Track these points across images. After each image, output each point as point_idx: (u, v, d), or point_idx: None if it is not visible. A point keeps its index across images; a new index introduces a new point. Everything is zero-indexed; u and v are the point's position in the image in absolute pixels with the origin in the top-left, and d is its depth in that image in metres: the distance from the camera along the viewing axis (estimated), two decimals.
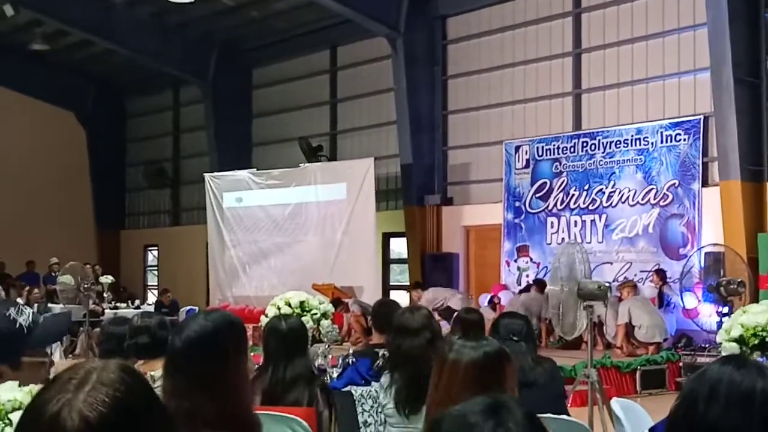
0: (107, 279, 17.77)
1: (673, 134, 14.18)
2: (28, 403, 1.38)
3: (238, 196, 19.39)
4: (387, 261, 18.87)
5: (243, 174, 19.38)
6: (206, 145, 21.82)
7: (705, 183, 13.88)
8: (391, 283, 18.77)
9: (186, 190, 23.73)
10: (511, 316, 5.29)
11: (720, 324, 8.14)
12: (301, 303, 7.15)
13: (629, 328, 13.05)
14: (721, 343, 4.67)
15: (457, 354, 2.62)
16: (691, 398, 2.07)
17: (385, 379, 4.51)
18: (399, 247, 18.64)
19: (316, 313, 7.18)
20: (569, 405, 5.60)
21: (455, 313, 6.61)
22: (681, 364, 12.10)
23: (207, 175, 20.07)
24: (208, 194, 19.86)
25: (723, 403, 2.00)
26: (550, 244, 15.63)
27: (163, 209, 24.66)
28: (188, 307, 16.73)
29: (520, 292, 15.10)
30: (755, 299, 11.03)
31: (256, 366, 5.81)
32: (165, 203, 24.52)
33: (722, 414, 1.99)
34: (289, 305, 7.10)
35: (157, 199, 24.59)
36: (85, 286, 15.19)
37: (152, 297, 23.13)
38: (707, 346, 12.01)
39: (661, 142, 14.30)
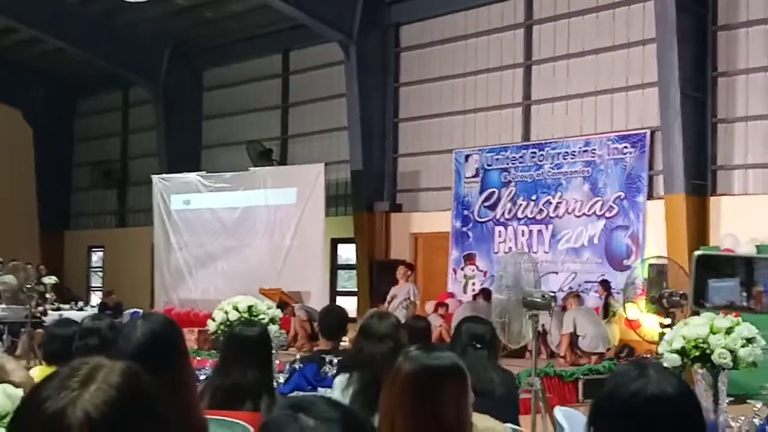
0: (50, 279, 17.47)
1: (620, 147, 14.40)
2: (24, 399, 1.37)
3: (186, 199, 19.22)
4: (335, 267, 18.86)
5: (192, 176, 19.22)
6: (155, 147, 21.61)
7: (650, 196, 14.11)
8: (338, 289, 18.76)
9: (133, 192, 23.48)
10: (474, 321, 5.07)
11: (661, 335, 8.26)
12: (249, 307, 7.10)
13: (573, 337, 13.21)
14: (662, 354, 4.75)
15: (401, 363, 2.61)
16: (608, 412, 2.12)
17: (341, 379, 4.49)
18: (347, 253, 18.64)
19: (264, 318, 7.13)
20: None
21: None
22: None
23: (155, 177, 19.88)
24: (156, 196, 19.67)
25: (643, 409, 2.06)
26: (497, 252, 15.76)
27: (108, 210, 24.36)
28: (132, 310, 16.54)
29: (474, 298, 15.17)
30: (696, 312, 11.21)
31: (203, 370, 5.78)
32: (111, 204, 24.23)
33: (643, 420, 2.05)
34: (237, 309, 7.05)
35: (103, 199, 24.28)
36: (28, 286, 14.94)
37: (96, 298, 22.84)
38: (649, 356, 12.18)
39: (608, 155, 14.50)
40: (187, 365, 2.77)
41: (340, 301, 17.07)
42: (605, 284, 14.01)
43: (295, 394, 5.60)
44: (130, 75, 21.45)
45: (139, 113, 23.06)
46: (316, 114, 19.23)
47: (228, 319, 6.84)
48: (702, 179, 13.54)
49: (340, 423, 1.43)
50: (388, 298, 14.95)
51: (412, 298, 14.81)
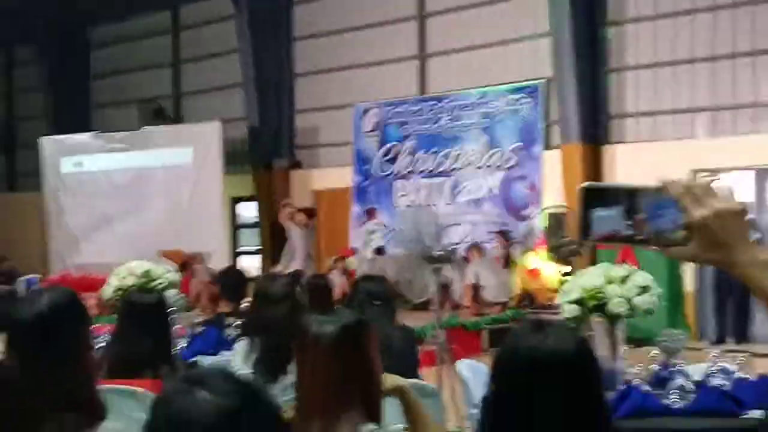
0: None
1: (516, 98, 14.52)
2: None
3: (77, 161, 18.65)
4: (236, 226, 18.63)
5: (83, 137, 18.65)
6: (42, 108, 20.86)
7: (547, 146, 14.30)
8: (239, 249, 18.55)
9: (22, 155, 22.67)
10: (370, 280, 5.24)
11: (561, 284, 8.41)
12: (146, 272, 6.93)
13: (476, 288, 13.38)
14: (561, 305, 4.81)
15: (317, 329, 2.60)
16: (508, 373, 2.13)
17: (241, 345, 4.42)
18: (247, 211, 18.41)
19: (162, 283, 6.97)
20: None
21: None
22: None
23: (43, 139, 19.22)
24: (45, 159, 19.04)
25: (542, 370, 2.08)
26: (398, 207, 15.79)
27: None
28: (27, 276, 16.01)
29: (376, 253, 15.22)
30: (593, 259, 11.47)
31: (101, 336, 5.61)
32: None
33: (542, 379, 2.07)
34: (133, 275, 6.87)
35: None
36: None
37: None
38: (549, 304, 12.43)
39: (505, 106, 14.62)
40: (87, 340, 2.70)
41: (244, 260, 16.90)
42: (505, 234, 14.20)
43: (197, 358, 5.51)
44: (12, 35, 20.58)
45: (25, 74, 22.21)
46: (209, 70, 18.80)
47: (124, 285, 6.67)
48: (596, 128, 13.77)
49: (236, 396, 1.39)
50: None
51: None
